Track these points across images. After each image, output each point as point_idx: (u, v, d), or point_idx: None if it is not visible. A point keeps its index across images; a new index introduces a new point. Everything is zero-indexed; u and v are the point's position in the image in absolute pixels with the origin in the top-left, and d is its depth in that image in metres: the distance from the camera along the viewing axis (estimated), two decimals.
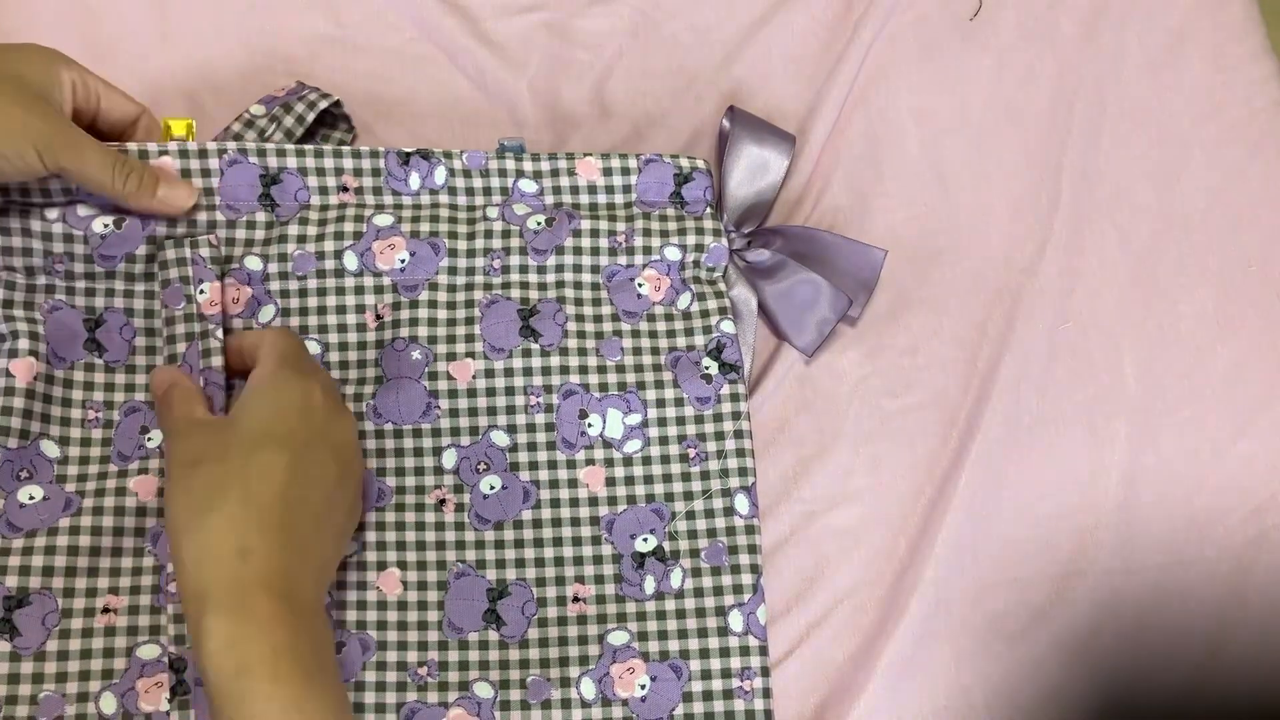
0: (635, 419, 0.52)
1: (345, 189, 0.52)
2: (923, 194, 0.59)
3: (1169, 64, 0.61)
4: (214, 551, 0.39)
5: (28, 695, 0.45)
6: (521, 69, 0.59)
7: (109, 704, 0.46)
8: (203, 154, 0.50)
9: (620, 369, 0.52)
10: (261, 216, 0.51)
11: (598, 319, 0.53)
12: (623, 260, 0.53)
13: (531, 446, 0.51)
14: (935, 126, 0.60)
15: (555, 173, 0.54)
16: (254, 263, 0.51)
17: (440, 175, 0.53)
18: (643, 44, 0.60)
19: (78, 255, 0.49)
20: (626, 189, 0.54)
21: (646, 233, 0.53)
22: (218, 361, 0.49)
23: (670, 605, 0.49)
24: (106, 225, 0.49)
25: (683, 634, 0.49)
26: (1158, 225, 0.59)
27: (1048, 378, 0.56)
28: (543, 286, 0.53)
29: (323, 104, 0.54)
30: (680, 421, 0.52)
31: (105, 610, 0.47)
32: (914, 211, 0.58)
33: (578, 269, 0.53)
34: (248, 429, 0.42)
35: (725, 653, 0.49)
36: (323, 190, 0.52)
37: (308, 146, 0.52)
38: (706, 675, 0.49)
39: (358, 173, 0.52)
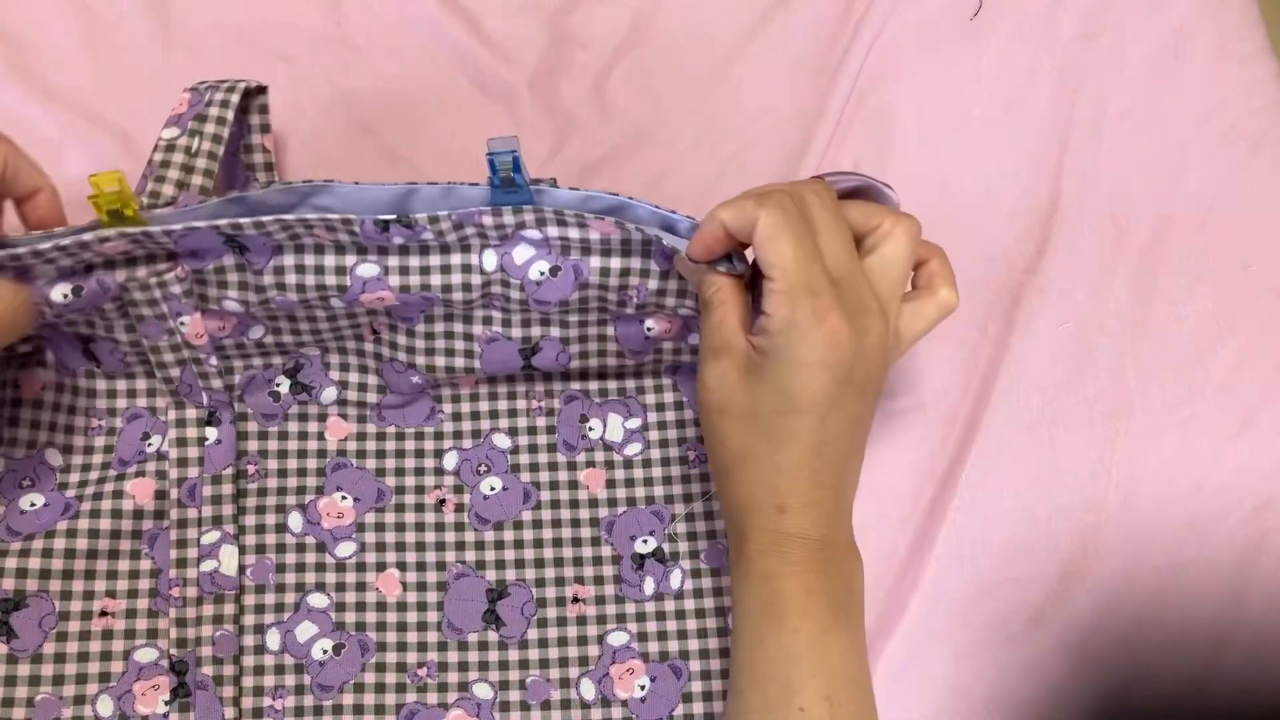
0: (635, 423, 0.52)
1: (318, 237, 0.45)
2: (923, 194, 0.58)
3: (1169, 63, 0.61)
4: (752, 501, 0.41)
5: (24, 698, 0.45)
6: (521, 69, 0.59)
7: (106, 707, 0.46)
8: (147, 235, 0.42)
9: (620, 376, 0.52)
10: (230, 260, 0.45)
11: (602, 354, 0.50)
12: (631, 310, 0.48)
13: (532, 448, 0.51)
14: (935, 126, 0.60)
15: (563, 223, 0.45)
16: (233, 305, 0.46)
17: (426, 235, 0.44)
18: (643, 44, 0.60)
19: (46, 314, 0.44)
20: (645, 242, 0.46)
21: (661, 293, 0.47)
22: (217, 384, 0.49)
23: (670, 606, 0.49)
24: (65, 295, 0.44)
25: (682, 635, 0.49)
26: (1158, 225, 0.59)
27: (1048, 378, 0.56)
28: (545, 322, 0.49)
29: (235, 97, 0.49)
30: (680, 425, 0.52)
31: (102, 613, 0.47)
32: (914, 211, 0.58)
33: (584, 310, 0.48)
34: (770, 390, 0.40)
35: (725, 653, 0.49)
36: (294, 237, 0.44)
37: (266, 219, 0.43)
38: (706, 676, 0.49)
39: (330, 228, 0.44)
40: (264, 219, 0.43)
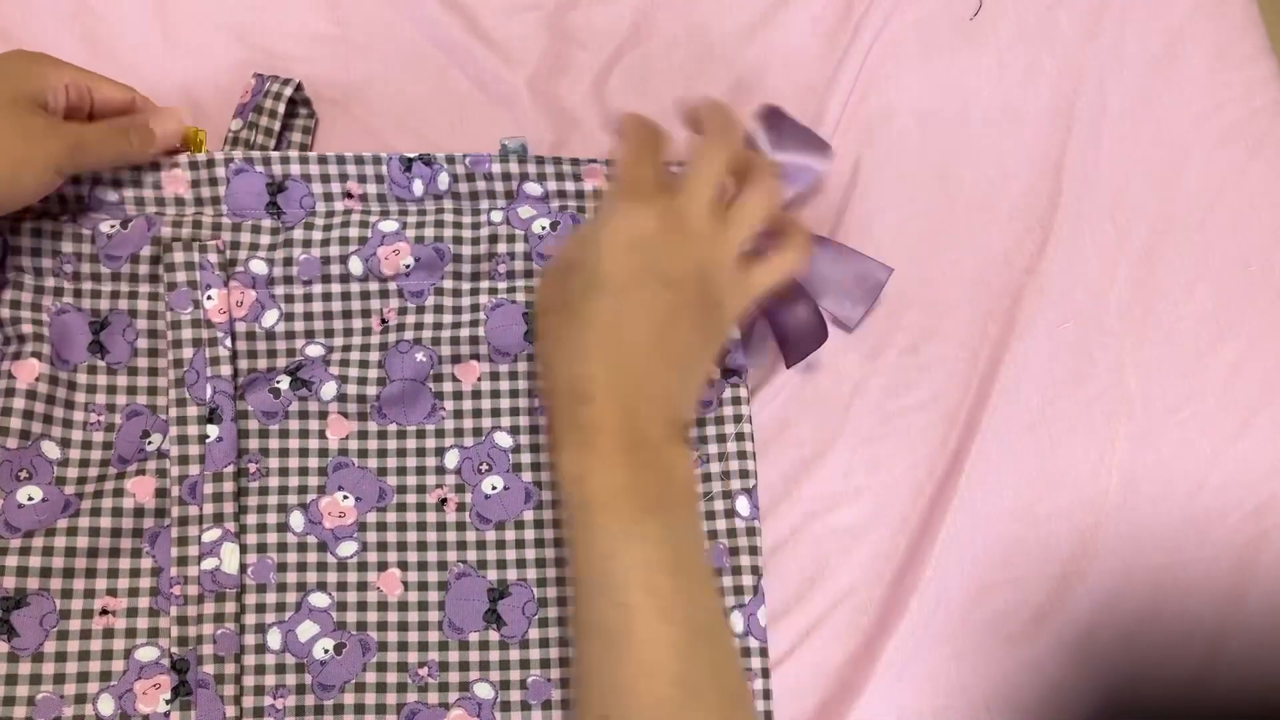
0: None
1: (350, 195, 0.52)
2: (923, 194, 0.59)
3: (1169, 64, 0.61)
4: (561, 396, 0.42)
5: (25, 696, 0.45)
6: (521, 68, 0.59)
7: (106, 705, 0.46)
8: (210, 164, 0.51)
9: None
10: (267, 223, 0.51)
11: None
12: None
13: (534, 448, 0.51)
14: (935, 126, 0.60)
15: (561, 176, 0.52)
16: (259, 266, 0.51)
17: (444, 180, 0.52)
18: (643, 44, 0.60)
19: (84, 255, 0.50)
20: None
21: None
22: (226, 370, 0.49)
23: None
24: (113, 226, 0.50)
25: None
26: (1158, 225, 0.59)
27: (1048, 378, 0.56)
28: None
29: (287, 91, 0.54)
30: None
31: (103, 612, 0.47)
32: (914, 211, 0.58)
33: None
34: (581, 271, 0.43)
35: None
36: (327, 197, 0.52)
37: (310, 154, 0.51)
38: None
39: (361, 179, 0.52)
40: (309, 154, 0.51)
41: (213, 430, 0.49)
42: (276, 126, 0.54)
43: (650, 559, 0.40)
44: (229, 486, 0.48)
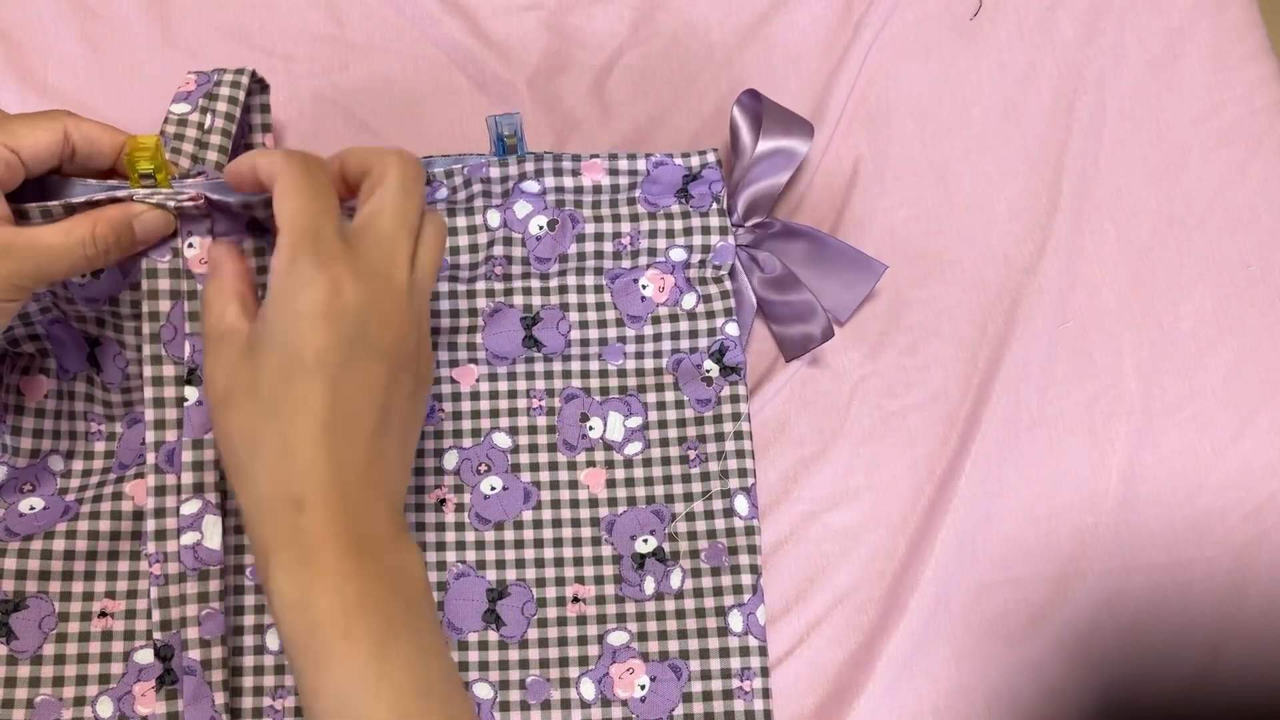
0: (636, 421, 0.52)
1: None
2: (923, 194, 0.59)
3: (1169, 64, 0.61)
4: (267, 504, 0.36)
5: (24, 699, 0.45)
6: (521, 69, 0.59)
7: (105, 708, 0.46)
8: (180, 214, 0.43)
9: (621, 373, 0.52)
10: (250, 243, 0.45)
11: (602, 324, 0.52)
12: (626, 263, 0.52)
13: (533, 448, 0.51)
14: (935, 126, 0.60)
15: (559, 173, 0.51)
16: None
17: (442, 193, 0.49)
18: (643, 44, 0.60)
19: (60, 295, 0.46)
20: (632, 186, 0.52)
21: (652, 234, 0.52)
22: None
23: (670, 606, 0.49)
24: (84, 277, 0.45)
25: (682, 634, 0.49)
26: (1158, 225, 0.59)
27: (1048, 378, 0.56)
28: (545, 292, 0.52)
29: (245, 79, 0.49)
30: (680, 424, 0.52)
31: (102, 614, 0.47)
32: (914, 211, 0.58)
33: (580, 272, 0.52)
34: (273, 352, 0.36)
35: (725, 653, 0.49)
36: None
37: None
38: (706, 675, 0.49)
39: None
40: None
41: (191, 393, 0.44)
42: (236, 113, 0.48)
43: (400, 683, 0.34)
44: (210, 454, 0.43)
